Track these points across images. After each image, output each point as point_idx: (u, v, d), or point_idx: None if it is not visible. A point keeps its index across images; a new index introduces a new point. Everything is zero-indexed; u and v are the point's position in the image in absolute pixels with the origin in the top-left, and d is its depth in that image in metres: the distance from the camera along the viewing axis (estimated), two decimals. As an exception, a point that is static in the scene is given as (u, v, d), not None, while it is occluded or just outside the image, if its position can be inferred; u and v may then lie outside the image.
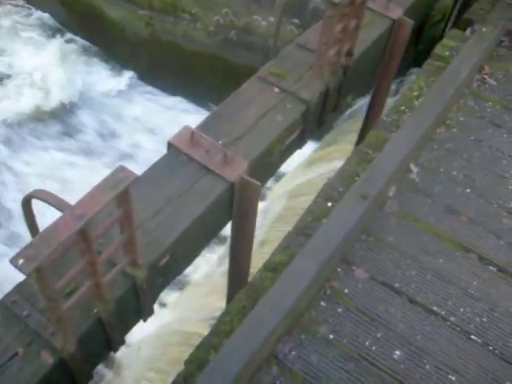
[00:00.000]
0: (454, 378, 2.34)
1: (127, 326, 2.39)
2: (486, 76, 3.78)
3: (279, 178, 6.02)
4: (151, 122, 7.73)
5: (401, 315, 2.51)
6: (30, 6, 9.01)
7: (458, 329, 2.50)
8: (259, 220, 2.91)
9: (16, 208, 6.28)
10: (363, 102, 5.55)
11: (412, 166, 3.09)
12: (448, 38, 3.98)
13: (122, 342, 2.39)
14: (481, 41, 3.79)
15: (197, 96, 7.65)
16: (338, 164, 3.63)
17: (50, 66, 8.23)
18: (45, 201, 1.73)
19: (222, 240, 5.23)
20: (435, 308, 2.55)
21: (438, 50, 3.83)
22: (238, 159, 2.51)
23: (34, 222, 1.98)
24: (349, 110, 5.87)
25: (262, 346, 2.16)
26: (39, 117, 7.79)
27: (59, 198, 1.72)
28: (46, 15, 8.84)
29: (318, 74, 2.99)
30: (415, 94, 3.46)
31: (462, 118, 3.48)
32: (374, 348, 2.39)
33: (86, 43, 8.49)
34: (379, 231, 2.80)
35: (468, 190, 3.07)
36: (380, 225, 2.82)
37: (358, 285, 2.57)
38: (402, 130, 3.07)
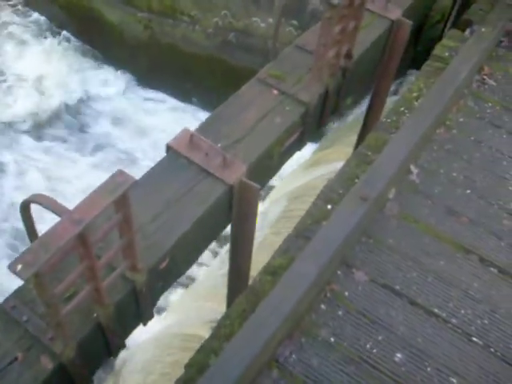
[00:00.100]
0: (455, 381, 2.33)
1: (127, 330, 2.38)
2: (485, 77, 3.77)
3: (279, 179, 6.02)
4: (151, 124, 7.74)
5: (402, 317, 2.50)
6: (28, 8, 9.01)
7: (459, 331, 2.49)
8: (259, 222, 2.91)
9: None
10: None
11: (412, 168, 3.09)
12: (447, 38, 3.97)
13: (122, 346, 2.38)
14: (480, 41, 3.78)
15: (196, 98, 7.66)
16: (338, 165, 3.63)
17: (48, 68, 8.24)
18: (43, 205, 1.72)
19: (223, 242, 5.23)
20: (436, 310, 2.54)
21: (437, 50, 3.82)
22: (237, 162, 2.50)
23: (32, 226, 1.97)
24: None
25: (262, 349, 2.15)
26: (37, 120, 7.79)
27: (57, 203, 1.71)
28: (44, 18, 8.84)
29: (317, 75, 2.98)
30: (414, 95, 3.45)
31: (461, 119, 3.47)
32: (374, 351, 2.38)
33: (85, 46, 8.49)
34: (379, 233, 2.79)
35: (468, 191, 3.06)
36: (380, 227, 2.81)
37: (359, 287, 2.56)
38: (402, 132, 3.06)
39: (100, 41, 8.25)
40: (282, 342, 2.34)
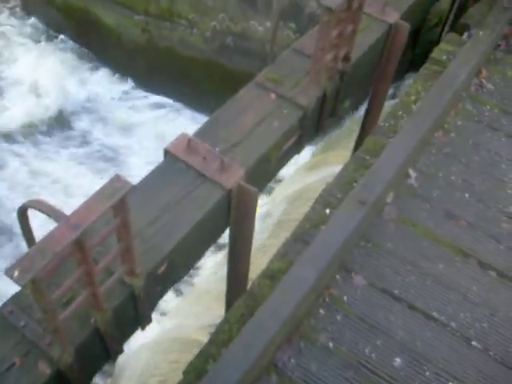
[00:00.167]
0: (454, 385, 2.32)
1: (125, 335, 2.37)
2: (483, 80, 3.77)
3: (278, 182, 6.01)
4: (148, 127, 7.73)
5: (400, 322, 2.49)
6: (25, 12, 9.01)
7: (458, 334, 2.49)
8: (258, 225, 2.90)
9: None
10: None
11: (410, 171, 3.08)
12: (445, 42, 3.97)
13: (120, 351, 2.37)
14: (478, 45, 3.78)
15: (194, 101, 7.65)
16: (338, 168, 3.62)
17: (45, 71, 8.23)
18: (40, 211, 1.71)
19: (221, 246, 5.22)
20: (435, 314, 2.54)
21: (435, 54, 3.82)
22: (235, 166, 2.50)
23: (30, 231, 1.96)
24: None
25: (261, 354, 2.14)
26: (33, 122, 7.78)
27: (55, 208, 1.70)
28: (41, 21, 8.83)
29: (314, 79, 2.98)
30: (412, 98, 3.45)
31: (459, 122, 3.47)
32: (373, 355, 2.37)
33: (83, 49, 8.49)
34: (378, 237, 2.78)
35: (467, 195, 3.06)
36: (379, 231, 2.81)
37: (357, 292, 2.56)
38: (400, 135, 3.06)
39: (97, 44, 8.24)
40: (281, 346, 2.33)
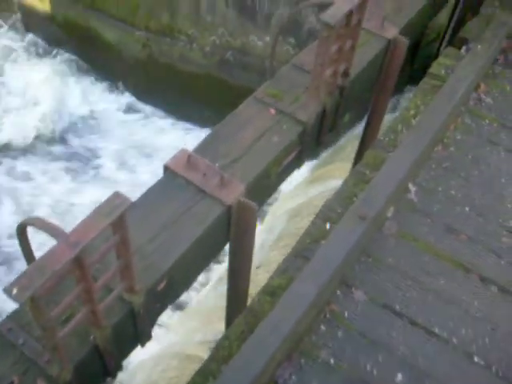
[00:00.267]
0: (456, 402, 2.31)
1: (124, 352, 2.36)
2: (482, 94, 3.78)
3: (278, 195, 6.01)
4: (148, 142, 7.74)
5: (402, 337, 2.48)
6: (26, 28, 9.05)
7: (460, 350, 2.47)
8: (259, 240, 2.89)
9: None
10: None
11: (410, 186, 3.08)
12: (443, 56, 3.99)
13: (120, 368, 2.36)
14: (476, 59, 3.79)
15: (194, 116, 7.67)
16: (337, 182, 3.62)
17: (46, 87, 8.26)
18: (40, 228, 1.71)
19: (221, 261, 5.21)
20: (436, 329, 2.52)
21: (433, 68, 3.83)
22: (234, 182, 2.50)
23: (29, 249, 1.96)
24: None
25: (261, 371, 2.12)
26: (34, 137, 7.79)
27: (54, 226, 1.70)
28: (42, 37, 8.88)
29: (314, 94, 2.99)
30: (412, 112, 3.46)
31: (459, 137, 3.47)
32: (375, 371, 2.36)
33: (83, 65, 8.52)
34: (378, 252, 2.77)
35: (467, 209, 3.05)
36: (379, 246, 2.80)
37: (358, 307, 2.55)
38: (400, 150, 3.06)
39: (98, 60, 8.28)
40: (282, 363, 2.31)
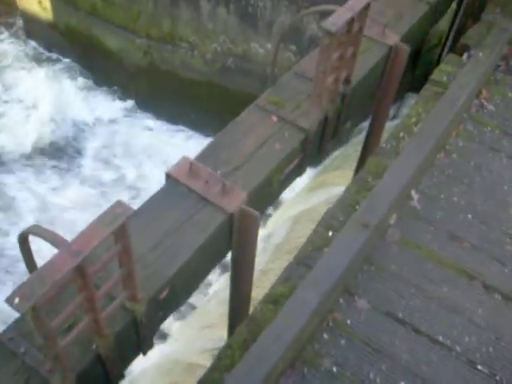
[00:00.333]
0: (460, 411, 2.29)
1: (127, 361, 2.35)
2: (484, 101, 3.78)
3: (281, 203, 6.01)
4: (150, 149, 7.75)
5: (405, 346, 2.47)
6: (28, 35, 9.09)
7: (464, 359, 2.46)
8: (261, 247, 2.88)
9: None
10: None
11: (413, 193, 3.07)
12: (445, 63, 3.98)
13: (122, 377, 2.34)
14: (478, 66, 3.79)
15: (195, 123, 7.68)
16: (339, 189, 3.61)
17: (47, 95, 8.28)
18: (41, 237, 1.70)
19: (224, 268, 5.20)
20: (440, 337, 2.51)
21: (435, 75, 3.83)
22: (236, 189, 2.49)
23: (31, 258, 1.95)
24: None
25: (264, 380, 2.11)
26: (36, 144, 7.81)
27: (56, 234, 1.69)
28: (44, 45, 8.91)
29: (316, 102, 2.99)
30: (413, 120, 3.45)
31: (461, 144, 3.47)
32: (378, 380, 2.34)
33: (85, 72, 8.55)
34: (381, 260, 2.76)
35: (470, 216, 3.04)
36: (382, 253, 2.79)
37: (361, 315, 2.53)
38: (402, 157, 3.05)
39: (100, 67, 8.31)
40: (284, 372, 2.30)
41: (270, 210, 5.80)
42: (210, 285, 5.44)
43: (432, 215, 3.01)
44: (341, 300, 2.58)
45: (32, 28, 8.90)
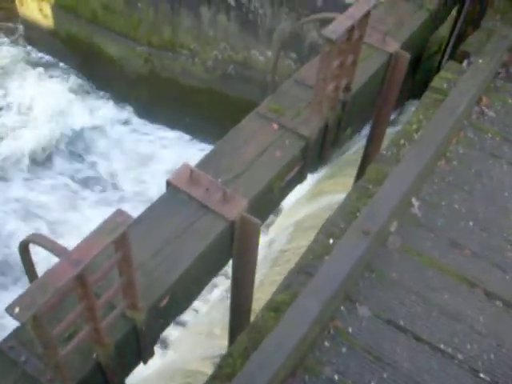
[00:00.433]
0: (462, 419, 2.28)
1: (127, 369, 2.33)
2: (484, 108, 3.78)
3: (281, 209, 6.00)
4: (151, 156, 7.76)
5: (406, 353, 2.46)
6: (29, 43, 9.11)
7: (466, 366, 2.45)
8: (261, 255, 2.88)
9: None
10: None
11: (413, 200, 3.07)
12: (445, 70, 3.99)
13: (122, 386, 2.34)
14: (478, 73, 3.80)
15: (196, 130, 7.68)
16: (340, 196, 3.60)
17: (48, 102, 8.29)
18: (42, 246, 1.70)
19: (225, 275, 5.19)
20: (442, 345, 2.50)
21: (435, 82, 3.84)
22: (237, 197, 2.49)
23: (32, 266, 1.95)
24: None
25: (265, 389, 2.10)
26: (35, 151, 7.80)
27: (56, 243, 1.69)
28: (45, 52, 8.93)
29: (316, 109, 2.99)
30: (414, 127, 3.46)
31: (461, 151, 3.47)
32: (380, 388, 2.34)
33: (86, 79, 8.57)
34: (382, 267, 2.76)
35: (471, 223, 3.04)
36: (383, 261, 2.78)
37: (362, 323, 2.53)
38: (402, 164, 3.05)
39: (100, 74, 8.32)
40: (286, 380, 2.29)
41: (268, 220, 5.79)
42: (212, 290, 5.43)
43: (433, 222, 3.01)
44: (342, 308, 2.57)
45: (33, 35, 8.93)
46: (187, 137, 7.85)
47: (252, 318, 2.67)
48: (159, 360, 4.52)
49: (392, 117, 5.07)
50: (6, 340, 2.05)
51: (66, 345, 1.86)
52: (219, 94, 7.20)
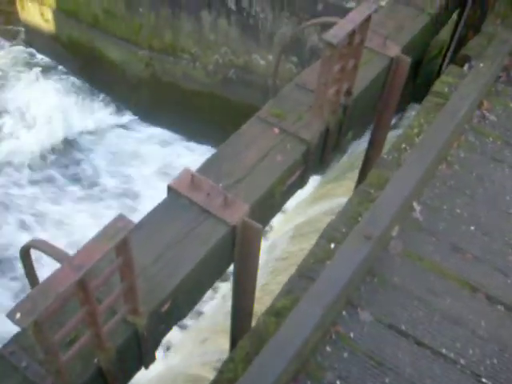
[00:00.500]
0: (465, 424, 2.27)
1: (128, 375, 2.33)
2: (485, 112, 3.78)
3: (282, 213, 6.00)
4: (151, 159, 7.76)
5: (408, 358, 2.45)
6: (31, 47, 9.13)
7: (468, 372, 2.44)
8: (262, 259, 2.87)
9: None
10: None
11: (415, 205, 3.07)
12: (446, 74, 3.99)
13: (124, 391, 2.33)
14: (479, 77, 3.80)
15: (197, 134, 7.69)
16: (341, 200, 3.60)
17: (50, 105, 8.31)
18: (43, 251, 1.70)
19: (226, 278, 5.19)
20: (444, 350, 2.49)
21: (436, 86, 3.84)
22: (238, 202, 2.48)
23: (33, 272, 1.95)
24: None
25: (266, 394, 2.10)
26: (37, 155, 7.82)
27: (57, 248, 1.69)
28: (46, 56, 8.95)
29: (317, 113, 2.99)
30: (415, 131, 3.45)
31: (462, 155, 3.47)
32: (382, 393, 2.33)
33: (87, 83, 8.58)
34: (384, 272, 2.75)
35: (472, 228, 3.03)
36: (384, 265, 2.78)
37: (364, 328, 2.52)
38: (404, 168, 3.05)
39: (102, 78, 8.34)
40: (287, 385, 2.29)
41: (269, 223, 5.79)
42: (214, 294, 5.43)
43: (434, 227, 3.00)
44: (344, 312, 2.56)
45: (34, 39, 8.95)
46: (188, 141, 7.85)
47: (253, 321, 2.67)
48: (160, 365, 4.51)
49: (393, 121, 5.07)
50: (6, 345, 2.05)
51: (68, 350, 1.85)
52: (220, 98, 7.21)
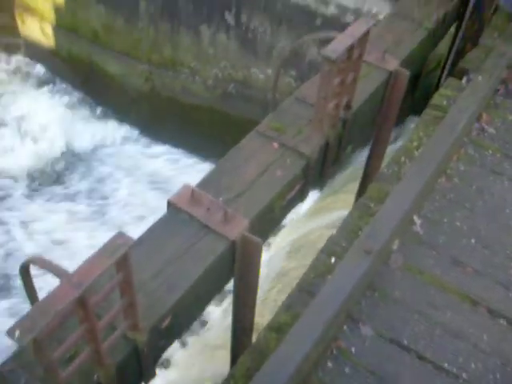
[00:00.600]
0: None
1: (128, 391, 2.31)
2: (484, 124, 3.79)
3: (282, 226, 5.98)
4: (151, 176, 7.76)
5: (410, 373, 2.43)
6: (31, 61, 9.17)
7: (471, 386, 2.43)
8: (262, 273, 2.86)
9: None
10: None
11: (415, 218, 3.06)
12: (445, 87, 4.01)
13: (123, 408, 2.31)
14: (477, 90, 3.81)
15: (197, 148, 7.70)
16: (341, 213, 3.59)
17: (50, 119, 8.32)
18: (42, 268, 1.69)
19: (227, 293, 5.17)
20: (446, 365, 2.48)
21: (435, 99, 3.85)
22: (238, 217, 2.48)
23: (32, 288, 1.93)
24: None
25: (268, 410, 2.08)
26: (37, 169, 7.81)
27: (57, 265, 1.68)
28: (46, 70, 8.98)
29: (317, 127, 2.99)
30: (415, 144, 3.46)
31: (462, 168, 3.47)
32: (383, 409, 2.31)
33: (87, 98, 8.60)
34: (385, 286, 2.74)
35: (473, 241, 3.03)
36: (385, 279, 2.77)
37: (365, 343, 2.51)
38: (404, 182, 3.05)
39: (101, 93, 8.36)
40: (288, 401, 2.27)
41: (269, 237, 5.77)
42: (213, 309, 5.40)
43: (434, 240, 3.00)
44: (345, 327, 2.55)
45: (34, 54, 8.99)
46: (188, 155, 7.84)
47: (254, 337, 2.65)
48: (161, 380, 4.48)
49: (392, 134, 5.07)
50: (5, 363, 2.03)
51: (67, 366, 1.84)
52: (220, 112, 7.23)
